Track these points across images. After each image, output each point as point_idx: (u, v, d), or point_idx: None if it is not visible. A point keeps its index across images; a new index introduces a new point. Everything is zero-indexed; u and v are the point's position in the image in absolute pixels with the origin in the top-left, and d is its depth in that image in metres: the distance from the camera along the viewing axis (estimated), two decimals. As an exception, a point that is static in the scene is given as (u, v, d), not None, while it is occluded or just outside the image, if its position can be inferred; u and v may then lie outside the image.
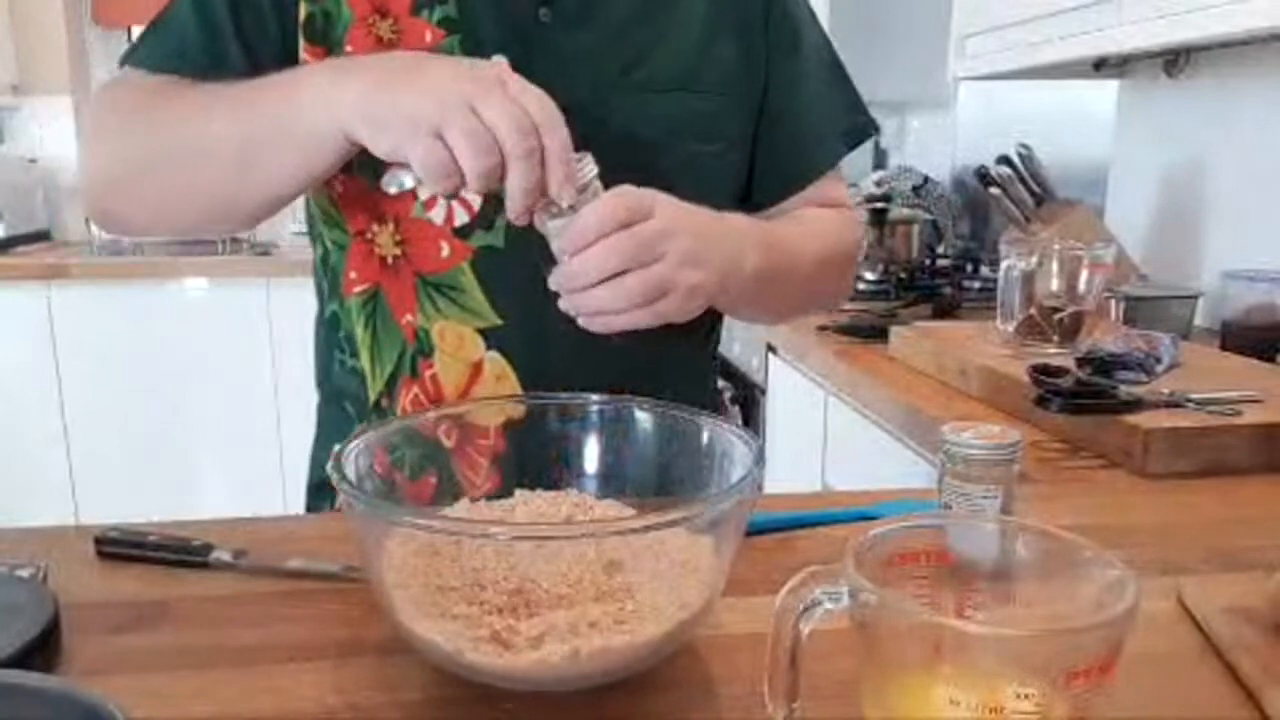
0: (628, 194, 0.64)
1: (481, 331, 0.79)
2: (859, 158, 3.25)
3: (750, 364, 2.13)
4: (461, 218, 0.77)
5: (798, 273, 0.81)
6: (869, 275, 2.12)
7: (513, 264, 0.77)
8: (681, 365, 0.86)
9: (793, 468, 1.81)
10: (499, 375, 0.79)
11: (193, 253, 3.04)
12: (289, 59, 0.76)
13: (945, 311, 1.85)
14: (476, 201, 0.76)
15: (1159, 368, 1.04)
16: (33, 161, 3.29)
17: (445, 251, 0.78)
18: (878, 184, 2.62)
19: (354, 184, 0.77)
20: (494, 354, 0.79)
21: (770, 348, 1.93)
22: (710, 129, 0.82)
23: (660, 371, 0.78)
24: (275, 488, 2.97)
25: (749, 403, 2.15)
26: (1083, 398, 0.94)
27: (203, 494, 2.97)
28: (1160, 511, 0.78)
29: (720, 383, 2.29)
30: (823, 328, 1.70)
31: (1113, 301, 1.41)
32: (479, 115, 0.58)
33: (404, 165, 0.61)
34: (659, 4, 0.80)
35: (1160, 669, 0.52)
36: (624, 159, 0.70)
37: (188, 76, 0.75)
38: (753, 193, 0.87)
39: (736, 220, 0.74)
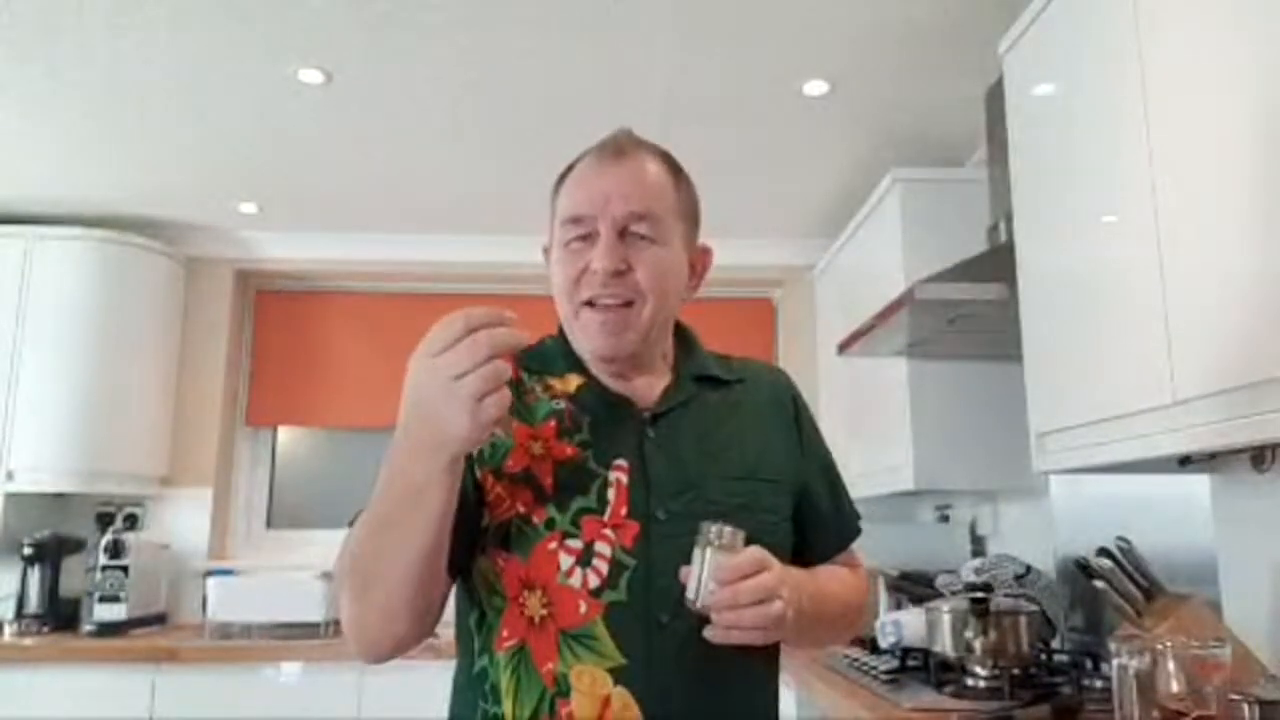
0: (760, 550, 0.94)
1: (610, 670, 0.96)
2: (956, 544, 3.22)
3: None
4: (594, 582, 0.98)
5: (828, 613, 1.09)
6: (979, 670, 1.99)
7: (634, 614, 0.98)
8: (754, 683, 1.06)
9: None
10: (625, 705, 0.95)
11: (294, 636, 3.11)
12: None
13: (1067, 713, 1.72)
14: (605, 569, 0.98)
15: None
16: (165, 547, 3.47)
17: (583, 609, 0.97)
18: (977, 571, 2.52)
19: (511, 561, 1.00)
20: (620, 689, 0.96)
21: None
22: (772, 504, 1.09)
23: (741, 688, 1.02)
24: None
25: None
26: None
27: None
28: None
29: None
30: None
31: (1245, 705, 1.30)
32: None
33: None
34: (727, 415, 1.11)
35: None
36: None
37: None
38: (804, 553, 1.13)
39: (798, 574, 1.02)
